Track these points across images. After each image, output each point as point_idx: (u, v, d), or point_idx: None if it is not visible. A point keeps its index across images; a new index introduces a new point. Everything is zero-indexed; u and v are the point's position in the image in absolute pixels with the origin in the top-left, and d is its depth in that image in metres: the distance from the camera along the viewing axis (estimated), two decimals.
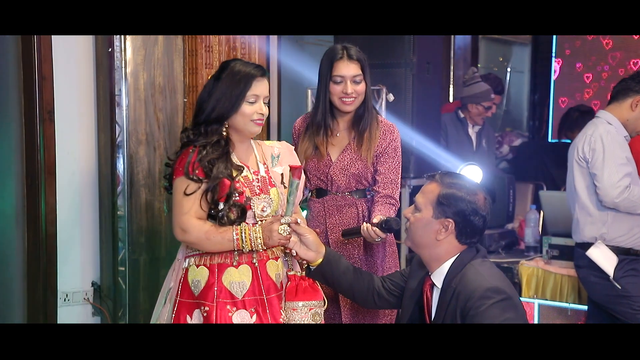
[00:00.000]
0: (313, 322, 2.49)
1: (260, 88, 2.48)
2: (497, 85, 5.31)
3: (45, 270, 3.65)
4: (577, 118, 4.99)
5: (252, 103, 2.47)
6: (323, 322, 2.54)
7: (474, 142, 5.00)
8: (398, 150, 2.90)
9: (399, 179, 2.91)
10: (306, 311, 2.49)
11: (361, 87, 2.83)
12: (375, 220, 2.68)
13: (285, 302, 2.50)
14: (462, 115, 4.99)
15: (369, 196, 2.92)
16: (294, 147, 2.83)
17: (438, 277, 2.38)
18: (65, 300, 3.76)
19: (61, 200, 3.70)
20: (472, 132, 5.01)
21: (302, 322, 2.48)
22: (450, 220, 2.34)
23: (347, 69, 2.82)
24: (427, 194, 2.38)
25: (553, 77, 5.78)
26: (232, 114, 2.47)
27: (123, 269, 3.80)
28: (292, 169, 2.43)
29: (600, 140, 3.43)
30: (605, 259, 3.44)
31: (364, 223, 2.71)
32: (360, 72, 2.83)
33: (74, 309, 3.80)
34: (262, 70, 2.51)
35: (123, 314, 3.80)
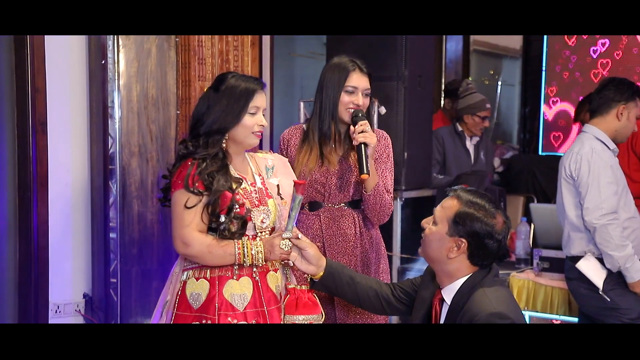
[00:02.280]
0: None
1: (260, 100, 2.52)
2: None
3: (37, 282, 3.63)
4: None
5: (253, 115, 2.50)
6: None
7: (472, 155, 5.00)
8: (391, 156, 2.95)
9: (392, 182, 2.94)
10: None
11: (367, 100, 2.90)
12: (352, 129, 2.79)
13: (285, 315, 2.51)
14: (460, 128, 4.99)
15: (362, 207, 2.93)
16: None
17: (448, 294, 2.36)
18: (56, 312, 3.74)
19: (53, 211, 3.69)
20: (470, 145, 5.00)
21: None
22: (464, 240, 2.30)
23: (360, 81, 2.87)
24: (446, 209, 2.34)
25: (543, 89, 5.81)
26: (233, 125, 2.48)
27: (115, 280, 3.79)
28: (296, 184, 2.43)
29: (587, 160, 3.43)
30: (594, 272, 3.44)
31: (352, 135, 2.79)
32: (369, 86, 2.89)
33: (66, 320, 3.78)
34: (262, 84, 2.55)
35: None
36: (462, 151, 4.97)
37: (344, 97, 2.86)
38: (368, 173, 2.73)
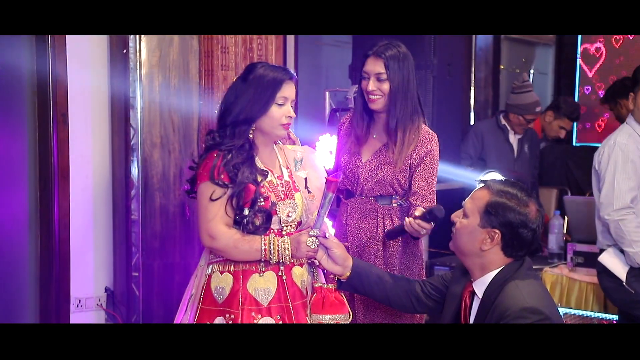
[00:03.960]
0: None
1: (288, 91, 2.48)
2: (572, 112, 5.08)
3: (58, 276, 3.61)
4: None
5: (280, 105, 2.47)
6: None
7: (515, 149, 4.83)
8: (435, 162, 2.81)
9: (435, 192, 2.82)
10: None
11: (385, 85, 2.76)
12: (417, 213, 2.61)
13: (311, 314, 2.47)
14: (502, 122, 4.83)
15: (394, 204, 2.84)
16: (336, 143, 2.86)
17: (480, 287, 2.30)
18: (78, 306, 3.72)
19: (74, 204, 3.66)
20: (513, 139, 4.83)
21: None
22: (497, 230, 2.25)
23: (372, 65, 2.78)
24: (476, 201, 2.29)
25: (578, 78, 5.63)
26: (260, 116, 2.45)
27: (137, 274, 3.74)
28: (328, 181, 2.38)
29: (607, 153, 3.39)
30: (617, 264, 3.40)
31: (406, 218, 2.63)
32: (383, 70, 2.76)
33: (87, 315, 3.76)
34: (291, 74, 2.52)
35: (136, 320, 3.74)
36: (504, 146, 4.80)
37: (363, 84, 2.81)
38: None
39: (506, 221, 2.23)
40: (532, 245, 2.28)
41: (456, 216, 2.36)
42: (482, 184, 2.34)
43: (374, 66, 2.77)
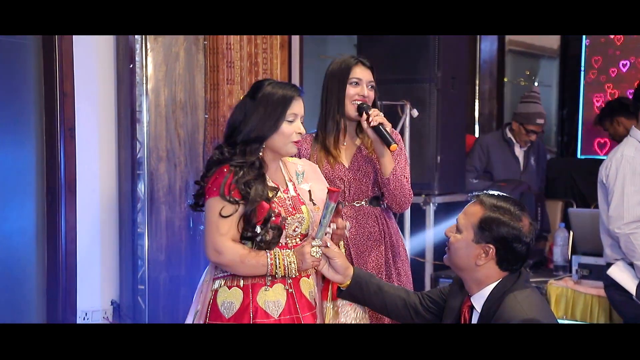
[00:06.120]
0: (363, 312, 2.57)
1: (297, 107, 2.47)
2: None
3: (65, 288, 3.62)
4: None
5: (291, 122, 2.46)
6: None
7: (521, 162, 4.84)
8: (404, 150, 2.94)
9: (409, 170, 2.90)
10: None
11: (372, 94, 2.89)
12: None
13: (332, 301, 2.51)
14: (508, 135, 4.84)
15: (383, 205, 2.91)
16: None
17: (478, 301, 2.30)
18: (84, 319, 3.73)
19: (81, 217, 3.68)
20: (519, 151, 4.84)
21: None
22: (491, 246, 2.24)
23: (364, 73, 2.88)
24: (469, 216, 2.28)
25: (582, 90, 5.64)
26: (271, 133, 2.44)
27: (143, 287, 3.76)
28: (330, 191, 2.39)
29: (615, 166, 3.38)
30: (626, 278, 3.38)
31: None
32: (373, 79, 2.89)
33: None
34: (299, 90, 2.51)
35: None
36: (510, 159, 4.81)
37: (349, 90, 2.86)
38: (397, 143, 2.76)
39: (500, 236, 2.23)
40: (526, 258, 2.28)
41: (450, 231, 2.35)
42: (474, 199, 2.33)
43: (365, 74, 2.88)
